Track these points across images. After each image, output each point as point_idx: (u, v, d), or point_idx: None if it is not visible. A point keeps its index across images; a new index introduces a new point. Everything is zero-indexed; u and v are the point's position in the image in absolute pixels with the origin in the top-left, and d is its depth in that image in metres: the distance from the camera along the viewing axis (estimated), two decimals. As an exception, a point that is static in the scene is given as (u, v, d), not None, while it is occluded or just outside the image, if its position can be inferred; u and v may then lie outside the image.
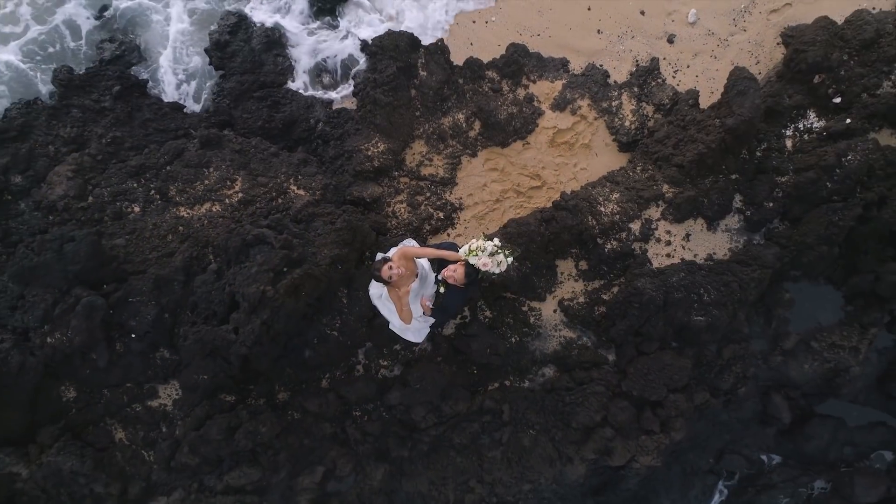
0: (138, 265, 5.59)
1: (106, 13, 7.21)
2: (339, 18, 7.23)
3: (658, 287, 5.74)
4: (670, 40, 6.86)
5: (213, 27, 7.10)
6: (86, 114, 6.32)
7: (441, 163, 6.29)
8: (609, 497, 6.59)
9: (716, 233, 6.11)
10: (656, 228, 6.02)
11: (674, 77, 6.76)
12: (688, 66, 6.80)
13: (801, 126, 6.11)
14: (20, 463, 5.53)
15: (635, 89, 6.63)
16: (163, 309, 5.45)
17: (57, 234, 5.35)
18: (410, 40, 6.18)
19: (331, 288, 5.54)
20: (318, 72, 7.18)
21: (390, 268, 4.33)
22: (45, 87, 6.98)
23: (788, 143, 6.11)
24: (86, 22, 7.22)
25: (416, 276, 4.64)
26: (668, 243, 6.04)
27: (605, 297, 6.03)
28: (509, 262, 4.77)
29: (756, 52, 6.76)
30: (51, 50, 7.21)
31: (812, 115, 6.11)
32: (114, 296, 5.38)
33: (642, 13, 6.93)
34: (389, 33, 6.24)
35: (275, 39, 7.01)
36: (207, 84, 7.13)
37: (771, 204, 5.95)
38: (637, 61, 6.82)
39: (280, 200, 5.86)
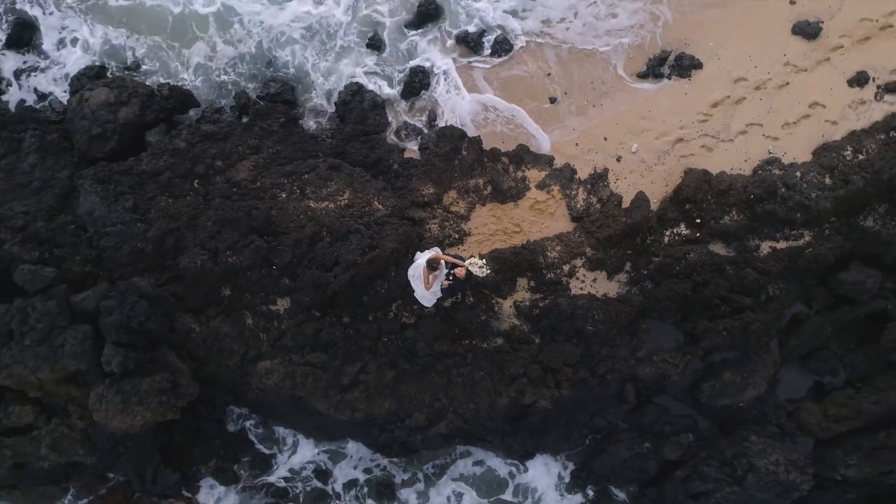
0: (283, 229, 9.83)
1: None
2: (420, 98, 11.44)
3: (570, 305, 9.99)
4: (618, 159, 11.01)
5: (340, 91, 11.34)
6: (263, 132, 10.56)
7: (463, 206, 10.50)
8: (520, 424, 10.82)
9: (611, 282, 10.36)
10: (578, 272, 10.26)
11: (615, 183, 10.91)
12: (625, 178, 10.95)
13: (675, 231, 10.35)
14: (195, 323, 9.79)
15: (589, 186, 10.81)
16: (294, 256, 9.70)
17: (248, 204, 9.62)
18: (461, 133, 10.44)
19: (387, 265, 9.78)
20: (399, 129, 11.41)
21: (438, 264, 8.54)
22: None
23: (665, 239, 10.34)
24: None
25: (440, 268, 8.88)
26: (583, 282, 10.29)
27: (540, 304, 10.25)
28: (489, 272, 9.00)
29: (667, 179, 10.90)
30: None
31: (682, 226, 10.36)
32: (271, 244, 9.65)
33: (605, 139, 11.11)
34: (450, 126, 10.52)
35: (378, 103, 11.23)
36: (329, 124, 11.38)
37: (645, 271, 10.21)
38: (595, 168, 10.98)
39: (367, 209, 10.08)
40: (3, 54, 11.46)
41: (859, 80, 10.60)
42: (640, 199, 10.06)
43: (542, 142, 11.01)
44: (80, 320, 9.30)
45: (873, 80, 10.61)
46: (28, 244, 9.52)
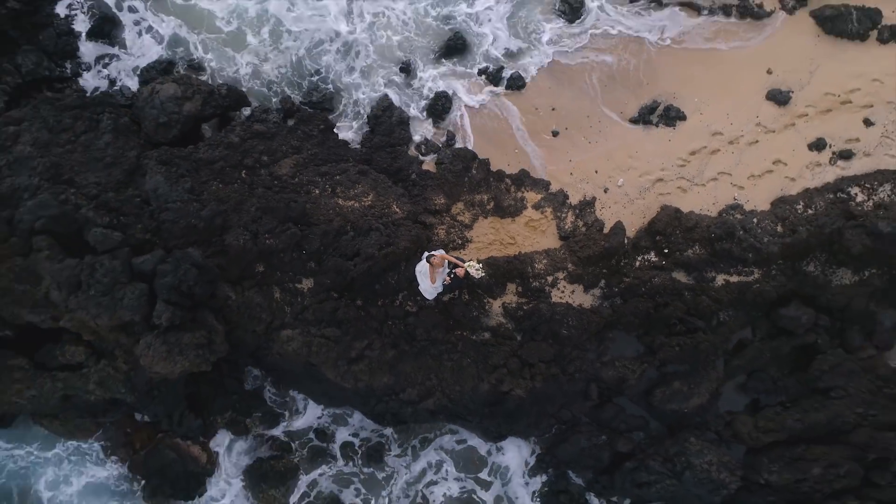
0: (315, 221, 11.59)
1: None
2: (441, 121, 13.19)
3: (549, 310, 11.74)
4: (605, 191, 12.74)
5: (372, 105, 13.09)
6: (304, 135, 12.31)
7: (468, 217, 12.25)
8: (497, 409, 12.56)
9: (587, 294, 12.12)
10: (559, 283, 12.02)
11: (600, 211, 12.64)
12: (609, 208, 12.66)
13: (645, 258, 12.11)
14: (232, 292, 11.54)
15: (577, 211, 12.54)
16: (321, 244, 11.46)
17: (287, 197, 11.37)
18: (473, 154, 12.20)
19: (399, 260, 11.52)
20: (420, 144, 13.15)
21: (434, 258, 10.29)
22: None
23: (636, 264, 12.10)
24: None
25: (443, 266, 10.63)
26: (563, 292, 12.05)
27: (524, 307, 12.00)
28: (484, 275, 10.76)
29: (645, 212, 12.61)
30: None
31: (652, 254, 12.12)
32: (303, 232, 11.40)
33: (596, 172, 12.84)
34: (464, 148, 12.27)
35: (404, 119, 12.99)
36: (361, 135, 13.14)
37: (616, 289, 11.97)
38: (585, 196, 12.70)
39: (386, 211, 11.83)
40: (85, 43, 13.20)
41: (818, 145, 12.35)
42: (618, 228, 11.83)
43: (528, 148, 12.72)
44: (138, 279, 11.05)
45: (830, 146, 12.36)
46: (100, 210, 11.28)
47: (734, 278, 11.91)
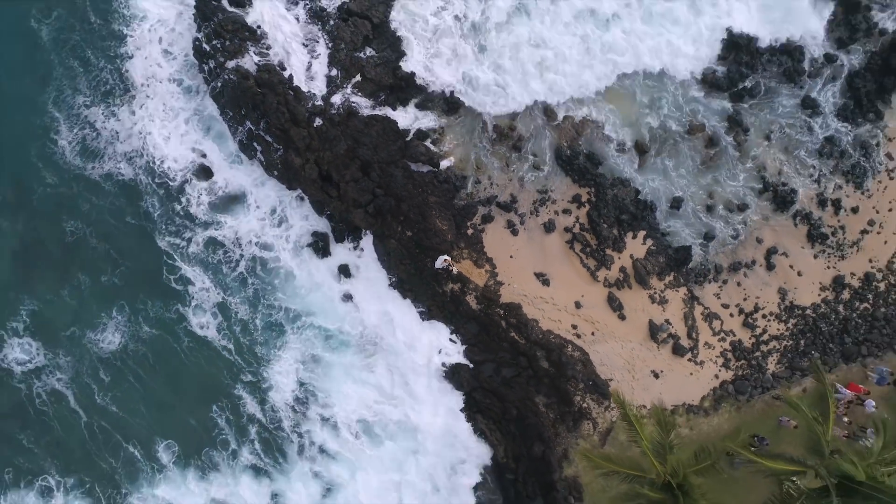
0: (426, 221, 33.52)
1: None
2: (486, 223, 34.89)
3: (466, 300, 33.51)
4: (510, 284, 34.26)
5: (469, 202, 34.84)
6: (444, 193, 34.18)
7: (465, 256, 33.86)
8: (434, 311, 34.19)
9: (477, 305, 33.85)
10: (471, 297, 33.77)
11: (503, 288, 34.12)
12: (507, 290, 34.17)
13: (499, 311, 33.79)
14: (391, 218, 33.50)
15: (495, 280, 34.08)
16: (424, 228, 33.42)
17: (425, 210, 33.36)
18: (481, 242, 34.12)
19: (440, 251, 33.36)
20: (473, 223, 34.79)
21: (447, 259, 32.20)
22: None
23: (498, 311, 33.77)
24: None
25: (448, 263, 32.50)
26: (472, 299, 33.80)
27: (458, 294, 33.70)
28: (456, 273, 32.67)
29: (511, 300, 34.14)
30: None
31: (512, 320, 33.79)
32: (420, 222, 33.41)
33: (512, 277, 34.30)
34: (480, 238, 34.21)
35: (474, 212, 34.81)
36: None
37: (485, 311, 33.74)
38: (503, 281, 34.14)
39: (447, 235, 33.60)
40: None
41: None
42: (498, 296, 33.61)
43: (499, 255, 34.62)
44: (375, 196, 33.14)
45: (593, 334, 33.92)
46: (374, 167, 33.29)
47: (522, 341, 33.54)
